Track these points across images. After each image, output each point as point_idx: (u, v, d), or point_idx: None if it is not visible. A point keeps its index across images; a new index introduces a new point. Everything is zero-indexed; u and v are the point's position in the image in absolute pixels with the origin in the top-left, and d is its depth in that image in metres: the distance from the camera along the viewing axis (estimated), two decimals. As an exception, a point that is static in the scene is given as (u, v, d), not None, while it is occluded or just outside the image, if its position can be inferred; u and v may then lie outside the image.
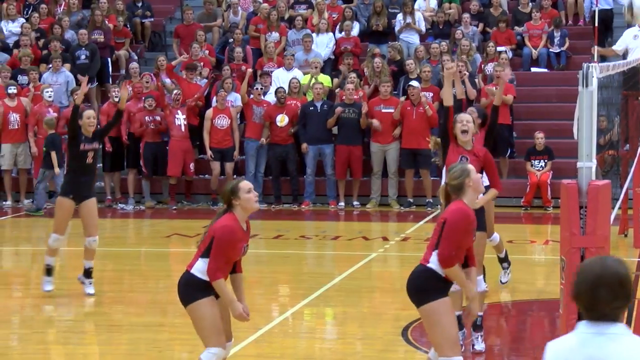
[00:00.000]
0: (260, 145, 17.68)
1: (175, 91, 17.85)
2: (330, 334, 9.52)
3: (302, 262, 13.27)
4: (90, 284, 10.58)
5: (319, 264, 13.26)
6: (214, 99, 18.13)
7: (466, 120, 8.07)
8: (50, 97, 17.87)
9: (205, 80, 18.96)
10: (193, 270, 6.52)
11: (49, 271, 10.67)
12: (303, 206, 17.60)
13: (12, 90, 18.16)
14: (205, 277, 6.43)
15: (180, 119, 17.67)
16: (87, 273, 10.64)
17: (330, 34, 19.89)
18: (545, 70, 19.99)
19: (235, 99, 18.23)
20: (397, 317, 9.50)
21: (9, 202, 18.13)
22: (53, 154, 16.55)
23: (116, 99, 18.02)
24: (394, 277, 12.46)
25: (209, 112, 17.89)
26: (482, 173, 7.84)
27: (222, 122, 17.83)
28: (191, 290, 6.51)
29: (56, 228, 10.59)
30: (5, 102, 18.10)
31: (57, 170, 16.30)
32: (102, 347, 8.95)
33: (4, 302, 10.97)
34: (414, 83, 17.43)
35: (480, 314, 8.34)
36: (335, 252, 13.74)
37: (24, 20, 20.83)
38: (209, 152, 17.71)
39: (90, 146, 10.42)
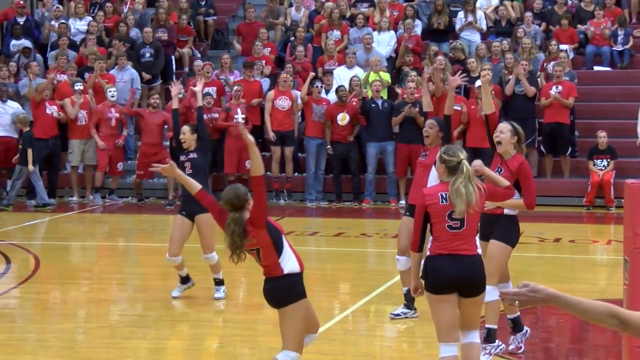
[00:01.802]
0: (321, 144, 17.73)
1: (235, 88, 17.91)
2: (390, 332, 9.49)
3: (363, 260, 13.28)
4: (217, 290, 10.36)
5: (379, 262, 13.25)
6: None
7: (499, 130, 7.94)
8: (113, 96, 18.02)
9: (267, 79, 19.04)
10: (287, 272, 6.51)
11: (183, 280, 10.40)
12: (364, 204, 17.59)
13: (79, 87, 18.40)
14: (299, 268, 6.55)
15: (239, 117, 17.75)
16: (216, 282, 10.37)
17: (392, 32, 19.85)
18: (609, 69, 19.76)
19: (296, 97, 18.28)
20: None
21: (75, 198, 18.38)
22: (29, 152, 16.56)
23: (180, 96, 18.16)
24: (454, 276, 12.43)
25: (270, 94, 17.96)
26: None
27: (284, 103, 17.88)
28: (294, 288, 6.52)
29: (169, 247, 10.16)
30: (73, 99, 18.35)
31: (31, 167, 16.04)
32: (164, 341, 9.04)
33: (71, 296, 11.14)
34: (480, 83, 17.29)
35: (513, 315, 8.23)
36: (395, 250, 13.65)
37: (91, 19, 21.10)
38: (271, 134, 17.71)
39: (185, 157, 10.10)
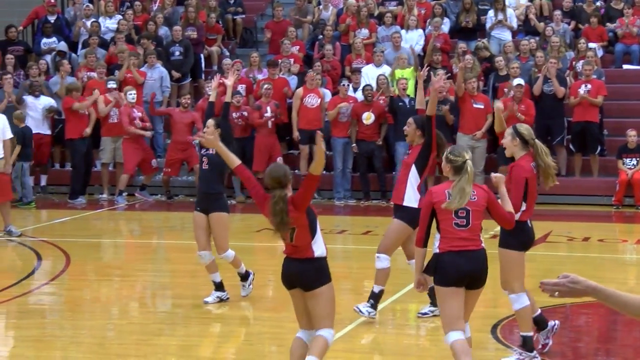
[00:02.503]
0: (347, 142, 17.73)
1: (265, 86, 17.95)
2: (418, 330, 9.51)
3: (392, 257, 13.24)
4: (244, 286, 10.31)
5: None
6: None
7: (504, 136, 8.05)
8: (133, 98, 18.05)
9: (295, 77, 19.06)
10: (317, 255, 6.72)
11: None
12: (391, 202, 17.54)
13: (112, 84, 18.49)
14: (326, 252, 6.79)
15: (268, 115, 17.77)
16: (241, 277, 10.28)
17: (420, 30, 19.83)
18: (638, 67, 19.64)
19: (324, 95, 18.29)
20: (486, 315, 9.45)
21: (105, 195, 18.48)
22: (18, 148, 16.54)
23: (210, 93, 18.23)
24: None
25: (299, 91, 17.98)
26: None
27: (312, 100, 17.90)
28: (325, 271, 6.76)
29: (197, 244, 10.08)
30: (106, 96, 18.46)
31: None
32: (193, 339, 9.08)
33: (101, 293, 11.23)
34: (521, 81, 17.22)
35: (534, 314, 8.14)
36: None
37: (121, 17, 21.21)
38: (296, 134, 17.73)
39: (204, 151, 10.03)
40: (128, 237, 15.76)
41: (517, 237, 7.78)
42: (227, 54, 21.12)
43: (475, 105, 17.27)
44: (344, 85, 18.01)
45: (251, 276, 10.33)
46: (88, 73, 19.49)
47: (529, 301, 7.90)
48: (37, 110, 18.43)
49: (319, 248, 6.74)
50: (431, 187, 7.23)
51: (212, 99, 10.48)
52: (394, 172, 17.76)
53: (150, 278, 11.98)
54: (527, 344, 7.95)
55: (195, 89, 20.66)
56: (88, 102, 18.15)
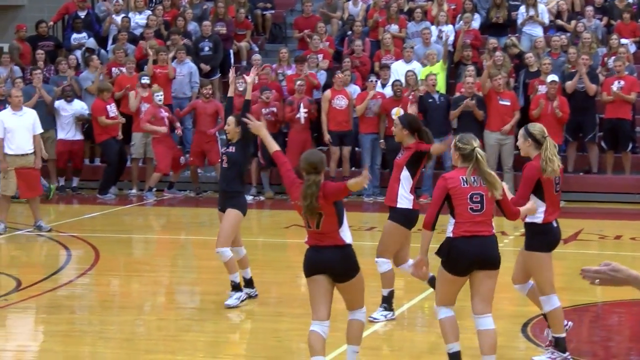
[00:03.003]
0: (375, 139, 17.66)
1: (298, 82, 17.92)
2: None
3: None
4: (230, 296, 9.82)
5: (437, 257, 13.16)
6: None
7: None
8: (160, 100, 18.01)
9: (324, 72, 19.04)
10: (347, 242, 6.93)
11: (247, 283, 10.02)
12: (421, 199, 17.50)
13: (145, 80, 18.53)
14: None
15: (301, 111, 17.77)
16: (233, 286, 9.84)
17: (450, 26, 19.73)
18: (671, 63, 19.45)
19: (354, 91, 18.25)
20: (516, 313, 9.39)
21: (134, 191, 18.53)
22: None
23: (240, 89, 18.25)
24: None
25: (327, 93, 17.95)
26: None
27: (341, 102, 17.87)
28: (356, 258, 6.98)
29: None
30: (137, 90, 18.50)
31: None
32: (222, 335, 9.09)
33: (130, 288, 11.26)
34: (555, 78, 17.09)
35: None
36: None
37: (150, 12, 21.26)
38: (327, 136, 17.68)
39: (224, 149, 9.92)
40: (157, 232, 15.80)
41: (543, 239, 7.77)
42: (256, 49, 21.12)
43: (501, 102, 17.17)
44: (372, 81, 17.95)
45: (243, 295, 9.84)
46: (118, 69, 19.54)
47: (558, 302, 7.84)
48: (68, 115, 18.48)
49: (346, 236, 6.91)
50: (444, 173, 7.30)
51: (230, 93, 10.29)
52: (423, 169, 17.65)
53: (179, 274, 12.00)
54: (559, 345, 7.88)
55: (225, 84, 20.64)
56: (111, 122, 18.16)
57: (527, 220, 7.78)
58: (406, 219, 8.89)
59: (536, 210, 7.67)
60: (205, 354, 8.38)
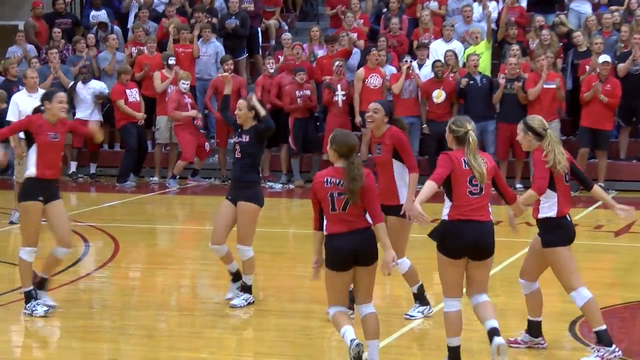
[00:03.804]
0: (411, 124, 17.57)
1: (337, 63, 17.86)
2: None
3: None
4: (237, 296, 9.83)
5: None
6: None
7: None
8: (186, 88, 18.04)
9: (358, 51, 18.97)
10: (370, 222, 7.28)
11: (235, 276, 9.91)
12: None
13: (172, 61, 18.55)
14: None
15: (339, 94, 17.73)
16: (234, 276, 9.93)
17: (494, 2, 19.60)
18: None
19: (390, 72, 18.19)
20: (563, 311, 9.35)
21: (156, 178, 18.59)
22: None
23: (271, 71, 18.26)
24: (559, 267, 12.24)
25: (360, 72, 17.91)
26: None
27: (375, 81, 17.83)
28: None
29: (212, 234, 9.76)
30: (163, 72, 18.52)
31: None
32: (248, 332, 9.11)
33: (151, 281, 11.31)
34: (607, 58, 16.96)
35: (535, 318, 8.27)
36: (496, 238, 13.55)
37: (174, -11, 21.29)
38: (358, 118, 17.64)
39: (237, 139, 9.67)
40: (180, 222, 15.85)
41: (560, 233, 7.88)
42: (286, 27, 21.10)
43: (546, 85, 17.04)
44: (406, 61, 17.88)
45: (250, 299, 9.79)
46: (136, 48, 19.58)
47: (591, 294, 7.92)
48: (86, 96, 18.55)
49: (367, 217, 7.29)
50: (449, 152, 7.56)
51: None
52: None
53: (203, 266, 12.03)
54: (602, 339, 7.87)
55: (252, 65, 20.69)
56: (129, 112, 18.20)
57: (541, 216, 7.91)
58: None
59: (535, 200, 7.82)
60: (231, 351, 8.41)
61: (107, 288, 10.95)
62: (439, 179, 7.40)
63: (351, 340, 7.19)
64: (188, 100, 18.09)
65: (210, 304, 10.05)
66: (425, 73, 18.13)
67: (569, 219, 7.97)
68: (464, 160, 7.42)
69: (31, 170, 9.28)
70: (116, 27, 20.88)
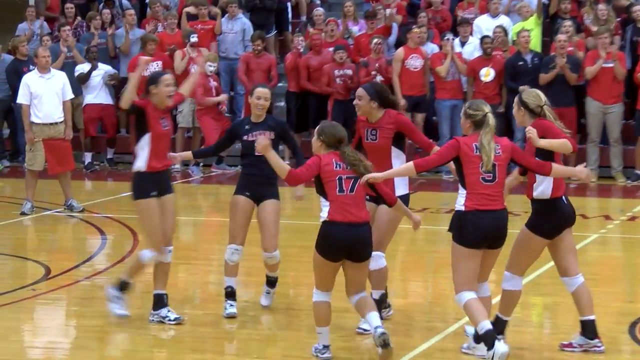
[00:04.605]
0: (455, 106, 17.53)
1: (375, 40, 17.82)
2: (540, 327, 9.44)
3: (509, 242, 13.11)
4: (268, 293, 9.78)
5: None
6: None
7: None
8: (212, 71, 18.05)
9: (396, 27, 18.93)
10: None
11: (230, 295, 9.52)
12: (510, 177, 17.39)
13: (194, 39, 18.57)
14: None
15: (377, 74, 17.71)
16: (272, 283, 9.79)
17: (545, -27, 19.51)
18: None
19: (431, 50, 18.16)
20: (621, 311, 9.33)
21: (178, 166, 18.65)
22: None
23: (301, 49, 18.23)
24: (617, 263, 12.22)
25: (399, 52, 17.89)
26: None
27: (415, 62, 17.81)
28: None
29: (234, 236, 9.51)
30: (185, 51, 18.55)
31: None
32: (277, 332, 9.11)
33: (172, 278, 11.30)
34: None
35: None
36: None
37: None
38: (402, 101, 17.59)
39: (258, 133, 9.23)
40: (204, 214, 15.90)
41: (547, 218, 8.01)
42: (318, 2, 21.08)
43: (605, 65, 16.95)
44: (447, 39, 17.83)
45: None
46: (154, 25, 19.63)
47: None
48: (94, 77, 18.61)
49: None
50: (458, 137, 7.82)
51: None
52: (513, 140, 17.51)
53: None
54: (587, 330, 8.13)
55: (281, 42, 20.69)
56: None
57: (535, 196, 8.03)
58: (407, 203, 8.63)
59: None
60: (260, 354, 8.43)
61: (125, 285, 11.01)
62: (421, 166, 7.83)
63: (324, 346, 7.95)
64: (213, 83, 18.11)
65: (238, 302, 10.03)
66: (468, 51, 18.07)
67: (564, 201, 8.08)
68: (476, 146, 7.67)
69: (141, 164, 8.98)
70: (125, 2, 20.83)
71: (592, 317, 8.20)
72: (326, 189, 7.76)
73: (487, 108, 7.77)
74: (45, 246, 13.24)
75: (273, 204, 9.35)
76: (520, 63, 17.37)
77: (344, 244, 7.71)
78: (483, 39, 17.64)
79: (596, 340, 8.23)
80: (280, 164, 7.79)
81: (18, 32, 20.19)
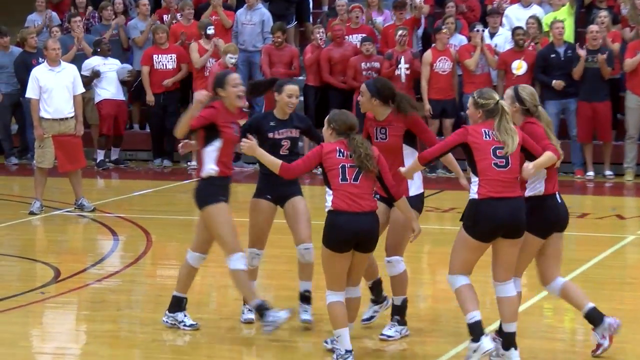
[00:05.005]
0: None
1: (400, 32, 17.78)
2: (573, 335, 9.42)
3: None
4: (305, 311, 9.32)
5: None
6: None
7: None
8: (233, 63, 18.04)
9: (423, 18, 18.89)
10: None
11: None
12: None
13: (211, 30, 18.55)
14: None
15: (402, 67, 17.69)
16: (304, 297, 9.35)
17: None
18: None
19: (459, 41, 18.12)
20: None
21: (194, 163, 18.66)
22: None
23: (321, 42, 18.22)
24: (657, 266, 12.18)
25: (427, 55, 17.86)
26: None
27: (444, 65, 17.79)
28: None
29: (255, 241, 9.42)
30: (201, 43, 18.54)
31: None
32: (299, 340, 9.07)
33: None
34: None
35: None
36: (581, 234, 13.50)
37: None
38: (427, 106, 17.61)
39: (284, 130, 9.21)
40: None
41: (541, 217, 8.01)
42: (341, -9, 21.02)
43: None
44: (477, 30, 17.78)
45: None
46: (169, 15, 19.66)
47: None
48: (108, 71, 18.63)
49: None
50: (466, 127, 7.91)
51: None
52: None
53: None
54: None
55: (302, 34, 20.68)
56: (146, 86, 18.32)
57: (528, 194, 8.00)
58: (422, 203, 8.69)
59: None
60: (279, 363, 8.45)
61: (138, 288, 11.03)
62: (425, 157, 7.99)
63: (346, 351, 7.90)
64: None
65: (255, 307, 10.05)
66: (498, 43, 18.03)
67: (557, 200, 8.12)
68: (485, 132, 7.74)
69: (212, 169, 8.93)
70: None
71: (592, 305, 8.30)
72: (329, 177, 7.90)
73: (497, 95, 7.85)
74: (55, 247, 13.27)
75: (300, 199, 9.27)
76: (553, 55, 17.31)
77: (350, 233, 7.81)
78: (515, 30, 17.60)
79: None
80: (271, 160, 8.12)
81: (27, 23, 20.25)
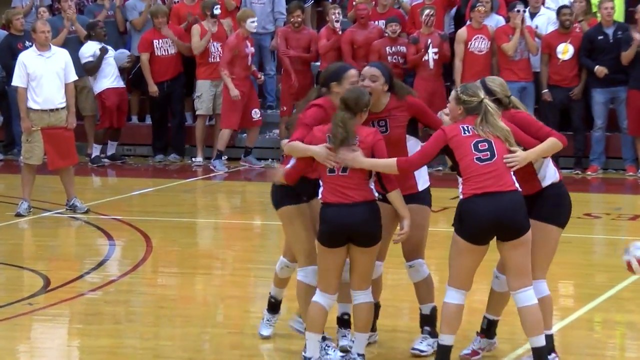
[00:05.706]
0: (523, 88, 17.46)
1: (427, 12, 17.73)
2: (622, 352, 9.37)
3: (587, 250, 13.08)
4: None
5: (610, 254, 13.06)
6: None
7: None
8: (254, 28, 18.04)
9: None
10: (376, 196, 7.96)
11: (273, 306, 9.30)
12: (589, 172, 17.32)
13: (217, 11, 18.48)
14: None
15: (430, 52, 17.64)
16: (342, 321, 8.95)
17: None
18: None
19: (496, 22, 18.06)
20: None
21: (199, 159, 18.67)
22: None
23: (337, 24, 18.18)
24: None
25: (462, 33, 17.82)
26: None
27: (480, 45, 17.72)
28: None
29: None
30: (203, 25, 18.48)
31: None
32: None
33: (193, 291, 11.35)
34: None
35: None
36: (633, 237, 13.43)
37: None
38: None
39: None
40: (228, 216, 15.89)
41: (563, 203, 8.20)
42: (362, -34, 21.00)
43: None
44: (517, 10, 17.72)
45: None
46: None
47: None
48: (108, 57, 18.63)
49: (373, 190, 7.94)
50: (442, 127, 8.06)
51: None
52: (591, 131, 17.46)
53: (257, 272, 12.06)
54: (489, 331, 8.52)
55: (319, 14, 20.66)
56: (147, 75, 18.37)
57: (545, 185, 8.10)
58: (430, 197, 8.73)
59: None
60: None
61: (137, 299, 11.03)
62: (404, 168, 7.94)
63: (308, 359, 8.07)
64: (250, 49, 18.01)
65: (257, 319, 10.02)
66: (539, 24, 17.98)
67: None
68: (464, 127, 7.83)
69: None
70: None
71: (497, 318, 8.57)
72: (317, 167, 7.98)
73: (482, 93, 7.89)
74: (44, 253, 13.26)
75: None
76: (601, 37, 17.24)
77: (338, 226, 7.86)
78: (561, 9, 17.54)
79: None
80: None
81: (13, 3, 20.29)
